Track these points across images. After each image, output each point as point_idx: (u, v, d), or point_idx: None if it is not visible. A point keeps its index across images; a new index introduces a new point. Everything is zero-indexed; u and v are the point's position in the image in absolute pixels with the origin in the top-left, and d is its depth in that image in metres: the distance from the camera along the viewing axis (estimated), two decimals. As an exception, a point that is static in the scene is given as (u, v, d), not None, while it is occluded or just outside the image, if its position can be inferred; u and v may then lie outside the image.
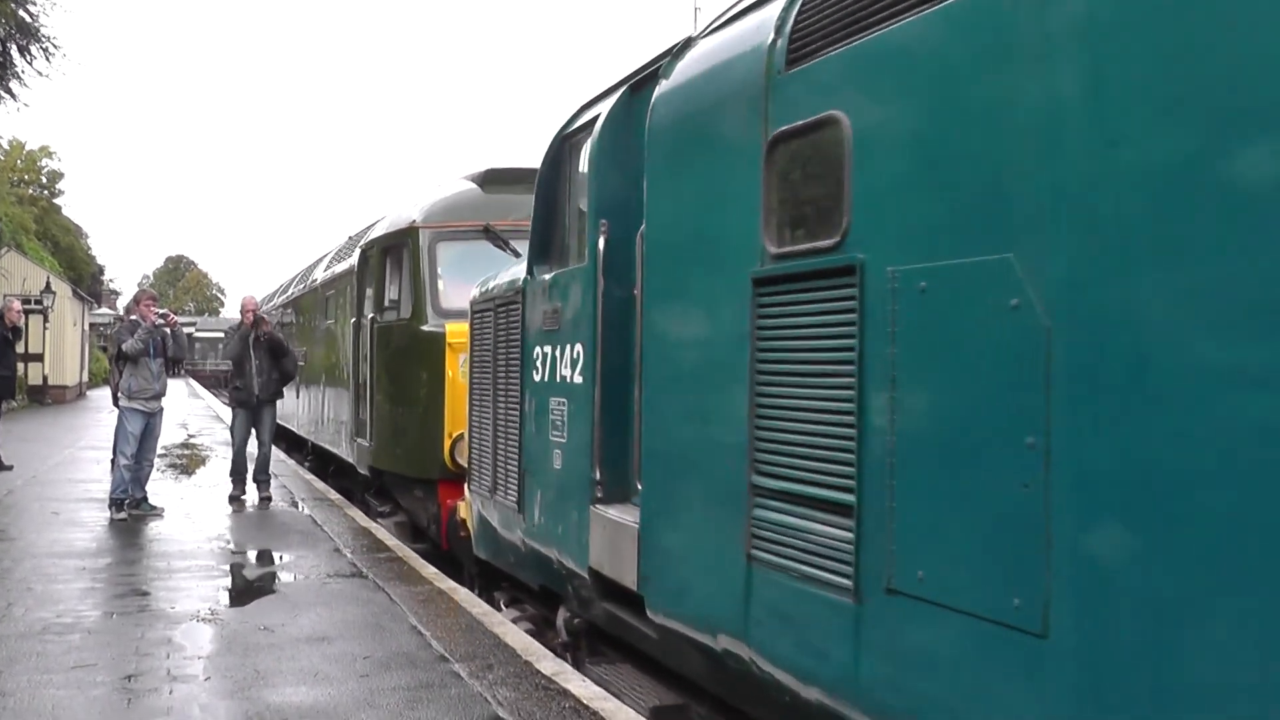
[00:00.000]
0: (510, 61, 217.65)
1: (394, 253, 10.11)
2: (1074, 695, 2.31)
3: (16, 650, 5.37)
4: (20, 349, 15.54)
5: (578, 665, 5.46)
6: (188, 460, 15.79)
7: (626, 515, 4.59)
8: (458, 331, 8.28)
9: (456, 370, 8.47)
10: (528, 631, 5.99)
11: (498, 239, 9.08)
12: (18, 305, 14.38)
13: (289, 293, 19.00)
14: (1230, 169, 2.09)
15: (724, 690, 4.03)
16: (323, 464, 14.88)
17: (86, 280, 50.51)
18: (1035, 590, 2.39)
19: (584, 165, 5.31)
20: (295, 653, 5.42)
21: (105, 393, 30.47)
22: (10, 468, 13.43)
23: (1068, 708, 2.33)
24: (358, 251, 11.48)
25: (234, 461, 11.43)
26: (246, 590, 7.04)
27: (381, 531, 9.44)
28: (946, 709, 2.67)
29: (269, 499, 11.15)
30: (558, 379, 5.26)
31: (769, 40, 3.52)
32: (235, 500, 11.07)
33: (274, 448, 12.12)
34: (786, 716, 3.42)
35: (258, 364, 11.10)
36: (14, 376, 14.73)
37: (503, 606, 6.76)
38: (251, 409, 11.28)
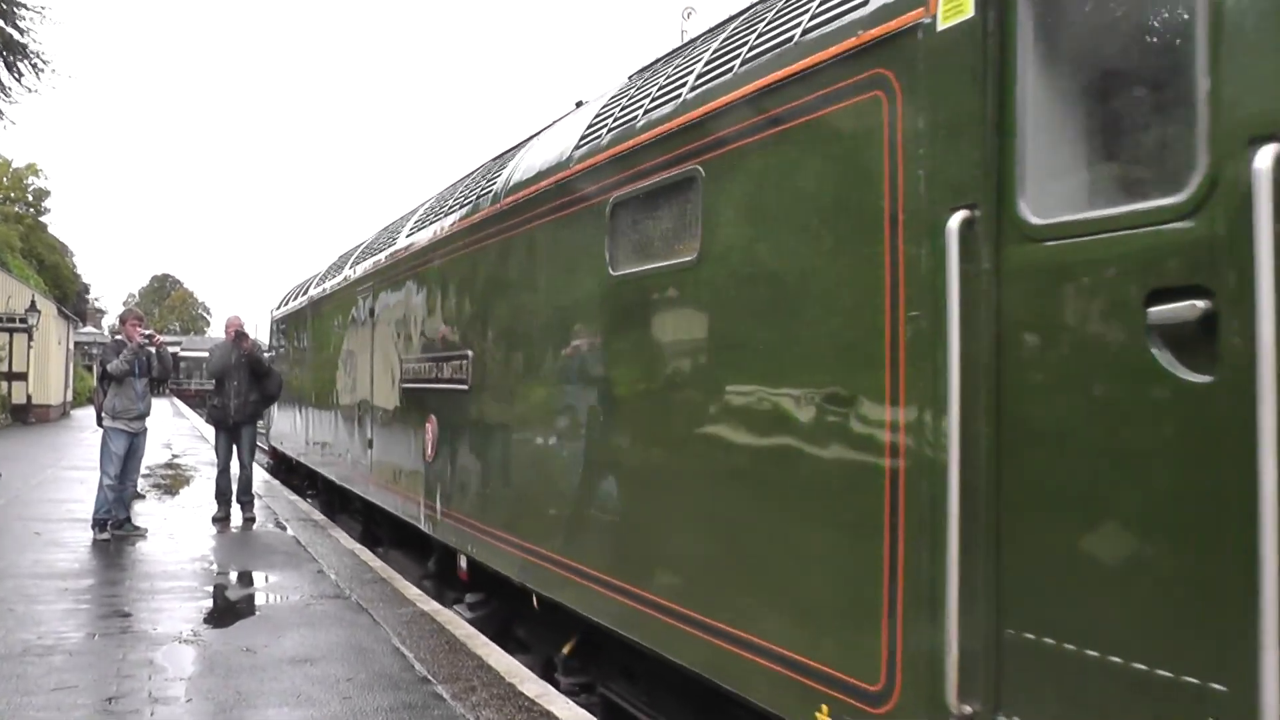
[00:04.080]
0: (499, 71, 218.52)
1: None
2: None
3: (-3, 672, 5.34)
4: (3, 368, 15.51)
5: None
6: (172, 480, 15.71)
7: None
8: None
9: None
10: None
11: None
12: None
13: (369, 261, 10.64)
14: None
15: None
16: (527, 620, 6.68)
17: (72, 299, 50.27)
18: None
19: None
20: (278, 674, 5.40)
21: (89, 412, 30.34)
22: None
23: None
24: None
25: (217, 482, 11.38)
26: (229, 611, 7.01)
27: (366, 553, 9.41)
28: None
29: (253, 519, 11.12)
30: None
31: None
32: (219, 521, 11.02)
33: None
34: None
35: (236, 384, 11.08)
36: None
37: None
38: (229, 429, 11.26)
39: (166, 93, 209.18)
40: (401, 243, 9.35)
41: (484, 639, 6.32)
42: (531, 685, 5.26)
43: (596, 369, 5.26)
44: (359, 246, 12.27)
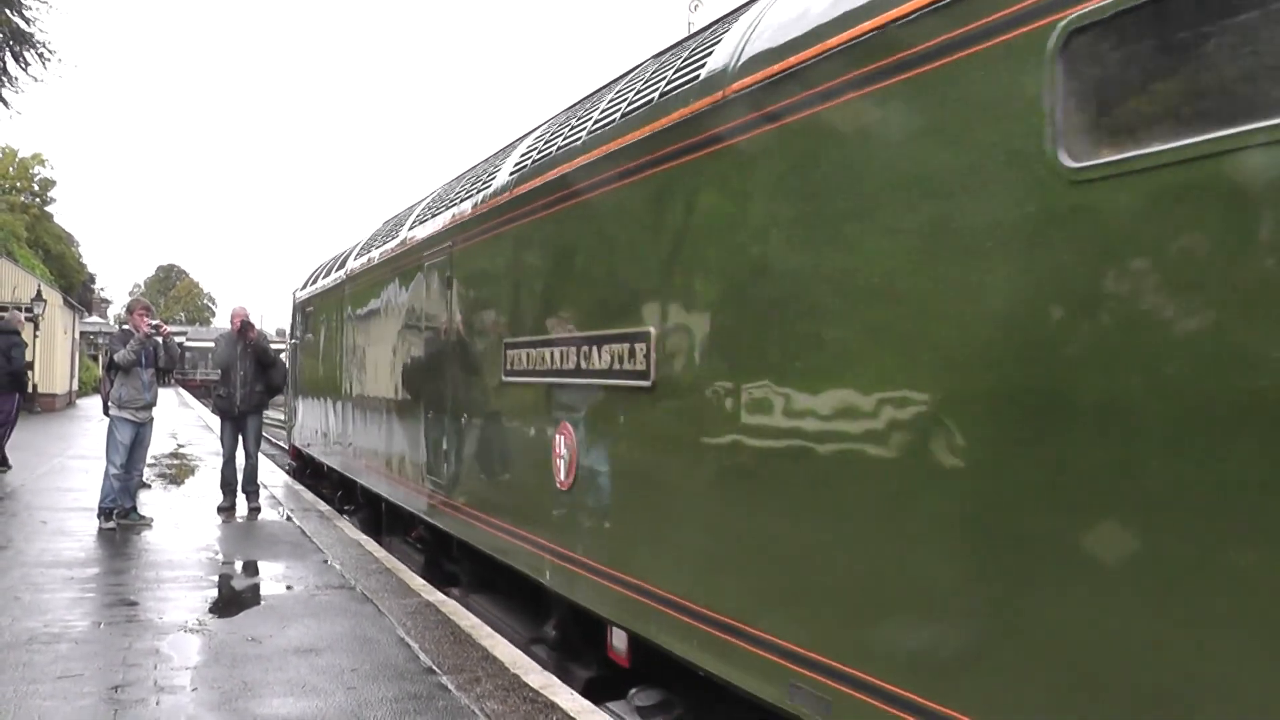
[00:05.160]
0: (498, 65, 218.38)
1: None
2: None
3: (3, 660, 5.35)
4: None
5: None
6: (177, 470, 15.75)
7: None
8: None
9: None
10: None
11: None
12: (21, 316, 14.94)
13: (444, 216, 8.00)
14: None
15: None
16: None
17: (77, 288, 50.38)
18: None
19: None
20: (283, 664, 5.42)
21: (95, 401, 30.33)
22: (9, 467, 14.17)
23: None
24: None
25: (222, 472, 11.41)
26: (234, 601, 7.03)
27: (371, 544, 9.43)
28: None
29: (258, 509, 11.14)
30: None
31: None
32: (224, 511, 11.04)
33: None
34: None
35: (242, 374, 11.10)
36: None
37: None
38: (234, 419, 11.27)
39: (173, 82, 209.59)
40: (501, 183, 6.69)
41: (489, 630, 6.32)
42: (536, 676, 5.27)
43: (1052, 361, 2.67)
44: (420, 203, 9.80)
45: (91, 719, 4.53)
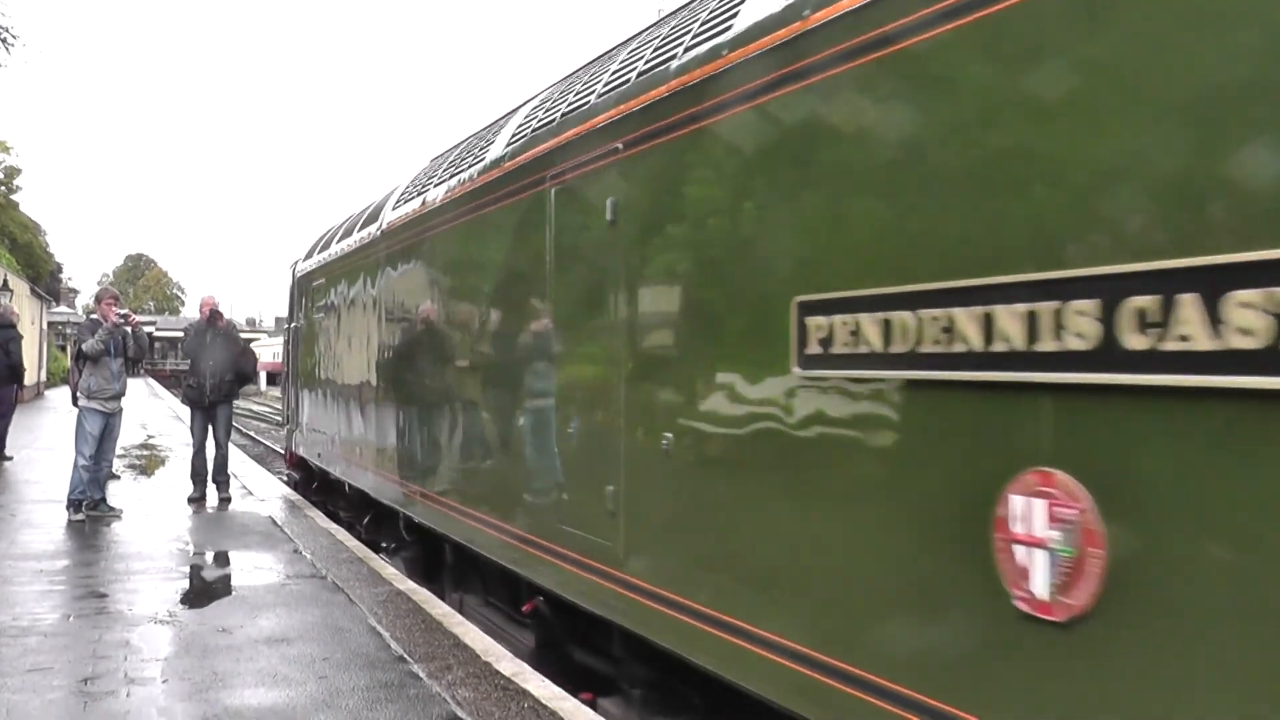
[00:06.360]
0: (481, 55, 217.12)
1: None
2: None
3: (-29, 653, 5.34)
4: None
5: None
6: (147, 461, 15.65)
7: None
8: None
9: None
10: None
11: None
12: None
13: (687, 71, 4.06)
14: None
15: None
16: None
17: (45, 278, 49.72)
18: None
19: None
20: (254, 654, 5.43)
21: (63, 392, 30.03)
22: (10, 458, 14.41)
23: None
24: None
25: (192, 462, 11.36)
26: (205, 592, 7.02)
27: (342, 533, 9.43)
28: None
29: (228, 500, 11.11)
30: None
31: None
32: (194, 501, 11.00)
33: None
34: None
35: (212, 364, 11.03)
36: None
37: None
38: (204, 409, 11.22)
39: (140, 69, 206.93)
40: (774, 11, 3.54)
41: (459, 618, 6.36)
42: (507, 664, 5.31)
43: None
44: (521, 108, 6.64)
45: (62, 712, 4.53)
